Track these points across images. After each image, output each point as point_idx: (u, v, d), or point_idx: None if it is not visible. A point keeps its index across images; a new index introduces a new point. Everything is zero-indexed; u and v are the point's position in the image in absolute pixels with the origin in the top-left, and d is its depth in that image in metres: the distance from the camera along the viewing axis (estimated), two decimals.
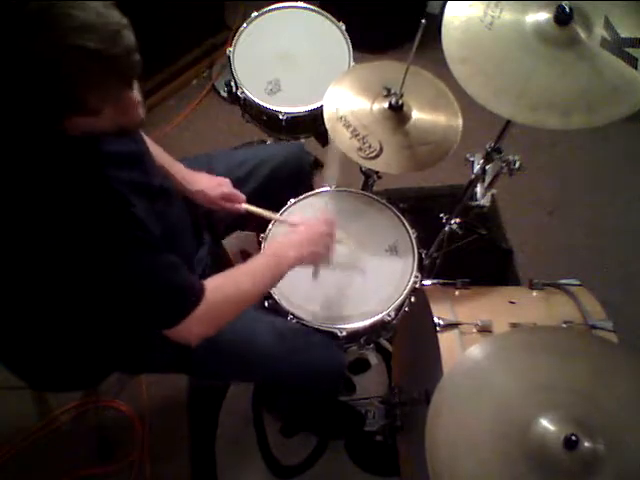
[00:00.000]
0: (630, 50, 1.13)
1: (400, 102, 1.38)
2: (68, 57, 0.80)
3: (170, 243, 1.07)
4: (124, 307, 1.06)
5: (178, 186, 1.36)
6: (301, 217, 1.39)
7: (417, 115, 1.41)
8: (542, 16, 1.17)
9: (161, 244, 1.04)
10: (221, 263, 1.50)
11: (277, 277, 1.22)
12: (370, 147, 1.36)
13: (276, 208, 1.49)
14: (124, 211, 0.97)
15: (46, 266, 0.97)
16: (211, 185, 1.40)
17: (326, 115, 1.41)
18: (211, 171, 1.46)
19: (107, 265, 0.97)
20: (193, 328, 1.09)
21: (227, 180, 1.43)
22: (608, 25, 1.16)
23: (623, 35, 1.15)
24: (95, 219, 0.93)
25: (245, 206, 1.44)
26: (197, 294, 1.08)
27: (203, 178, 1.41)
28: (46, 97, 0.83)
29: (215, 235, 1.53)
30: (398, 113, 1.40)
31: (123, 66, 0.86)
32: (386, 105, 1.40)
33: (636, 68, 1.12)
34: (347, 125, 1.39)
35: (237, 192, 1.43)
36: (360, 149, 1.36)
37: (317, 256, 1.29)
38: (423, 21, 1.19)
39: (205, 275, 1.39)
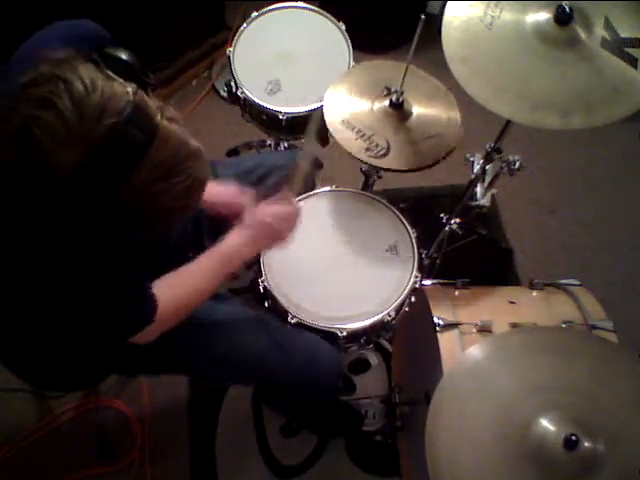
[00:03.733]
0: (630, 50, 1.13)
1: (401, 99, 1.38)
2: (157, 215, 0.86)
3: (161, 253, 1.09)
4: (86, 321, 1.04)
5: None
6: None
7: (417, 110, 1.42)
8: (542, 16, 1.17)
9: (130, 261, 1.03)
10: None
11: (229, 273, 1.22)
12: (377, 146, 1.37)
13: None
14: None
15: (52, 270, 0.97)
16: (230, 197, 1.36)
17: (328, 119, 1.41)
18: (218, 178, 1.44)
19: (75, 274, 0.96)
20: (150, 335, 1.09)
21: (244, 193, 1.36)
22: (608, 25, 1.16)
23: (623, 35, 1.15)
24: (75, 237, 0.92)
25: None
26: (152, 309, 1.07)
27: (219, 189, 1.36)
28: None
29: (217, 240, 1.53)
30: (399, 110, 1.40)
31: (205, 190, 0.91)
32: (387, 103, 1.40)
33: (636, 68, 1.12)
34: (351, 127, 1.40)
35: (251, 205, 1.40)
36: (368, 149, 1.37)
37: (272, 247, 1.30)
38: (422, 16, 1.19)
39: None
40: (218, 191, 1.36)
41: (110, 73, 0.81)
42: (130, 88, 0.80)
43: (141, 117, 0.78)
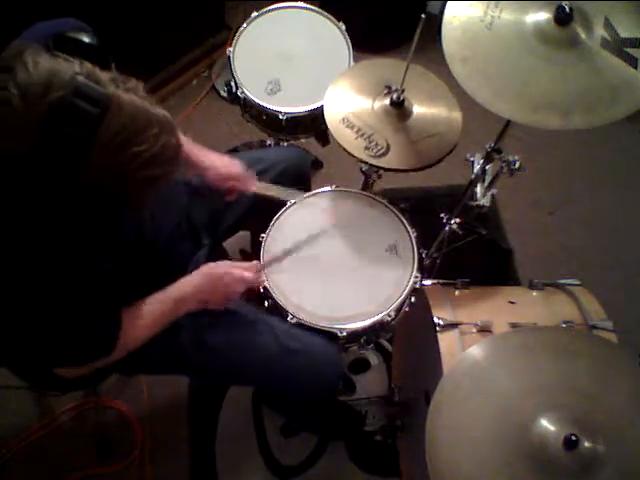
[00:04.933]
0: (630, 50, 1.13)
1: (401, 98, 1.38)
2: (135, 186, 0.85)
3: (156, 251, 1.08)
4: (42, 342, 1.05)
5: (188, 162, 1.36)
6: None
7: (418, 109, 1.42)
8: (542, 16, 1.17)
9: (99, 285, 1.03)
10: None
11: (174, 318, 1.21)
12: (377, 145, 1.37)
13: (278, 211, 1.49)
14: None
15: (49, 270, 0.97)
16: (222, 163, 1.39)
17: (328, 118, 1.41)
18: None
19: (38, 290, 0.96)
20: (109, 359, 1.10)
21: (237, 161, 1.42)
22: (608, 25, 1.16)
23: (623, 35, 1.15)
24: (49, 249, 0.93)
25: (258, 184, 1.43)
26: (114, 338, 1.08)
27: (212, 155, 1.40)
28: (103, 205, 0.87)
29: (216, 237, 1.53)
30: (400, 109, 1.40)
31: (180, 161, 0.91)
32: (387, 102, 1.40)
33: (636, 68, 1.12)
34: (351, 126, 1.40)
35: (247, 174, 1.42)
36: (367, 148, 1.37)
37: (217, 305, 1.27)
38: (423, 16, 1.19)
39: None
40: (211, 159, 1.38)
41: (58, 53, 0.81)
42: (77, 63, 0.80)
43: (89, 89, 0.78)
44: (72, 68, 0.79)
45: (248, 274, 1.27)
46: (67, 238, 0.93)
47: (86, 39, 0.87)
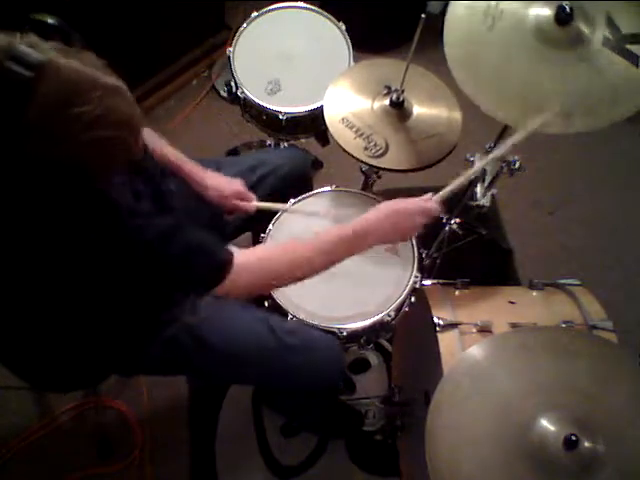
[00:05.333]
0: (631, 47, 1.13)
1: (401, 98, 1.38)
2: (83, 150, 0.84)
3: None
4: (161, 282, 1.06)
5: (190, 181, 1.38)
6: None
7: (418, 110, 1.42)
8: (542, 17, 1.16)
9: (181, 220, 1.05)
10: None
11: (350, 254, 1.17)
12: (376, 145, 1.37)
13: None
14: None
15: (54, 269, 0.98)
16: (224, 182, 1.42)
17: (327, 117, 1.41)
18: None
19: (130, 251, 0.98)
20: (237, 284, 1.07)
21: (238, 180, 1.44)
22: (609, 22, 1.15)
23: (625, 31, 1.15)
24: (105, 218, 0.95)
25: (255, 203, 1.45)
26: (226, 262, 1.06)
27: (215, 175, 1.43)
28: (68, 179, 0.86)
29: (222, 239, 1.53)
30: (399, 110, 1.40)
31: (134, 129, 0.89)
32: (387, 102, 1.40)
33: (637, 66, 1.12)
34: (350, 126, 1.40)
35: (247, 192, 1.44)
36: (366, 148, 1.37)
37: (399, 241, 1.27)
38: (423, 16, 1.19)
39: None
40: (213, 180, 1.40)
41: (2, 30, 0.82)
42: (19, 35, 0.81)
43: (24, 54, 0.79)
44: (11, 38, 0.81)
45: (432, 206, 1.20)
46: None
47: (50, 20, 0.88)
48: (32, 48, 0.80)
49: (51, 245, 0.93)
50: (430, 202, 1.20)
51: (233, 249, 1.08)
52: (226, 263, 1.06)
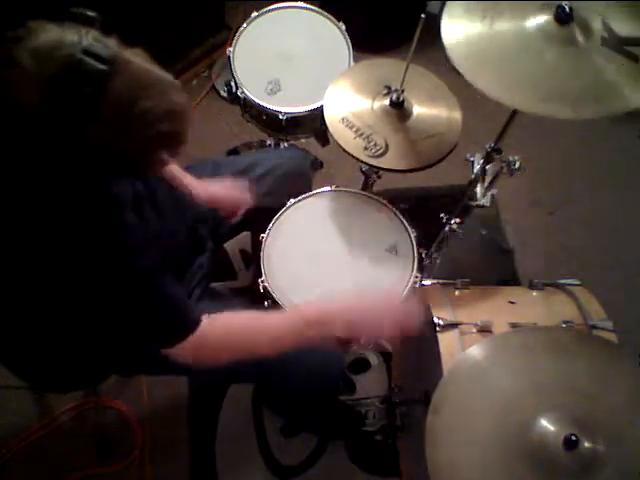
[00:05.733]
0: (630, 49, 1.13)
1: (401, 98, 1.38)
2: (148, 144, 0.87)
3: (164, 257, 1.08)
4: (122, 323, 1.07)
5: (187, 192, 1.39)
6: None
7: (418, 110, 1.42)
8: (542, 17, 1.16)
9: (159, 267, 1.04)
10: (220, 265, 1.50)
11: (301, 343, 1.12)
12: (376, 145, 1.36)
13: (278, 211, 1.49)
14: (124, 235, 0.99)
15: (49, 277, 0.98)
16: (224, 190, 1.42)
17: (327, 117, 1.41)
18: (216, 177, 1.47)
19: (106, 286, 0.98)
20: (189, 353, 1.09)
21: (237, 184, 1.42)
22: (606, 26, 1.15)
23: (622, 34, 1.14)
24: (98, 242, 0.94)
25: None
26: (193, 321, 1.08)
27: (214, 184, 1.42)
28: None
29: (218, 240, 1.53)
30: (399, 109, 1.40)
31: (189, 122, 0.93)
32: (387, 102, 1.40)
33: (637, 61, 1.12)
34: (350, 126, 1.39)
35: (245, 195, 1.44)
36: (366, 148, 1.36)
37: (365, 337, 1.22)
38: (423, 15, 1.19)
39: (204, 280, 1.39)
40: (214, 189, 1.40)
41: (65, 23, 0.84)
42: (83, 29, 0.83)
43: (97, 48, 0.81)
44: (79, 32, 0.82)
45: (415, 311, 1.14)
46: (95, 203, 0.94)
47: (89, 13, 0.89)
48: (100, 43, 0.82)
49: (50, 247, 0.93)
50: (415, 313, 1.14)
51: (204, 316, 1.09)
52: (191, 323, 1.07)
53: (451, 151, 1.39)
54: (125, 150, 0.86)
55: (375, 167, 1.42)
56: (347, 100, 1.45)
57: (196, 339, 1.07)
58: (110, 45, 0.83)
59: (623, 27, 1.15)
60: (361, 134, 1.38)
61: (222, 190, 1.41)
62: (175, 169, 1.39)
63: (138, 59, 0.85)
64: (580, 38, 1.15)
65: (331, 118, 1.41)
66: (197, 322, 1.08)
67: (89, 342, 1.23)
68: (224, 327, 1.11)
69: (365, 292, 1.18)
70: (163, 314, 1.06)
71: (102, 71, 0.80)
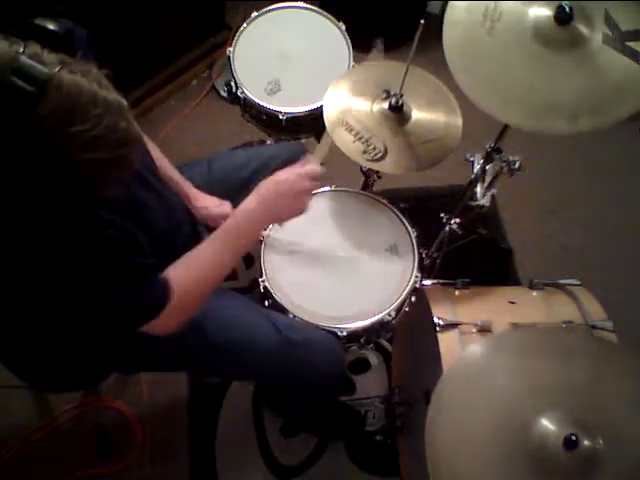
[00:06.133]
0: (632, 44, 1.13)
1: (400, 102, 1.38)
2: (82, 168, 0.83)
3: (162, 246, 1.09)
4: (97, 311, 1.06)
5: (184, 198, 1.39)
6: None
7: (417, 114, 1.42)
8: (542, 17, 1.16)
9: (135, 247, 1.04)
10: None
11: (247, 244, 1.21)
12: (375, 149, 1.36)
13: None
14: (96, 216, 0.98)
15: (29, 270, 0.97)
16: (215, 204, 1.43)
17: (327, 120, 1.41)
18: (212, 173, 1.48)
19: (78, 266, 0.97)
20: (171, 321, 1.10)
21: (227, 203, 1.44)
22: (609, 19, 1.15)
23: (624, 28, 1.14)
24: (70, 220, 0.93)
25: None
26: (166, 291, 1.08)
27: (207, 197, 1.44)
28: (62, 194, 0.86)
29: None
30: (398, 114, 1.40)
31: (134, 147, 0.89)
32: (386, 106, 1.40)
33: (638, 62, 1.12)
34: (349, 129, 1.39)
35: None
36: (365, 152, 1.36)
37: (291, 216, 1.25)
38: (422, 22, 1.19)
39: None
40: (203, 200, 1.42)
41: (6, 36, 0.82)
42: (22, 44, 0.80)
43: (28, 67, 0.78)
44: (15, 48, 0.80)
45: (309, 167, 1.22)
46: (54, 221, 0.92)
47: (51, 26, 0.87)
48: (36, 61, 0.79)
49: (35, 243, 0.93)
50: (308, 165, 1.23)
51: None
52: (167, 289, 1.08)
53: (447, 155, 1.39)
54: (66, 173, 0.83)
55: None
56: (346, 102, 1.44)
57: (176, 300, 1.08)
58: (49, 62, 0.80)
59: (625, 22, 1.15)
60: (360, 137, 1.38)
61: (216, 208, 1.42)
62: (179, 177, 1.40)
63: (75, 79, 0.81)
64: (580, 38, 1.15)
65: (330, 121, 1.41)
66: (167, 293, 1.09)
67: (88, 339, 1.23)
68: (186, 279, 1.12)
69: (262, 185, 1.21)
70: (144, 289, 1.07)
71: (29, 93, 0.77)
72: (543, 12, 1.16)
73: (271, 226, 1.47)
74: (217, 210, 1.42)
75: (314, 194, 1.53)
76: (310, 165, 1.24)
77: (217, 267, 1.18)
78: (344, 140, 1.37)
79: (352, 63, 1.69)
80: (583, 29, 1.15)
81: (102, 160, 0.83)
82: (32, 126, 0.78)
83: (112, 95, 0.85)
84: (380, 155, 1.36)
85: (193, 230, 1.42)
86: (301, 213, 1.24)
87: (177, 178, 1.40)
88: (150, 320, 1.07)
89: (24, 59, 0.79)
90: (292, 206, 1.22)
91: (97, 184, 0.88)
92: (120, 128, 0.85)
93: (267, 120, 1.71)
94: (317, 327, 1.34)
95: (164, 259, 1.14)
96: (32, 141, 0.79)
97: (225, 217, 1.34)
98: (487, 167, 1.55)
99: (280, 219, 1.29)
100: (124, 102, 0.86)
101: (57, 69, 0.80)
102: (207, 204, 1.42)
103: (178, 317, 1.12)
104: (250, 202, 1.19)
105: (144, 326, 1.08)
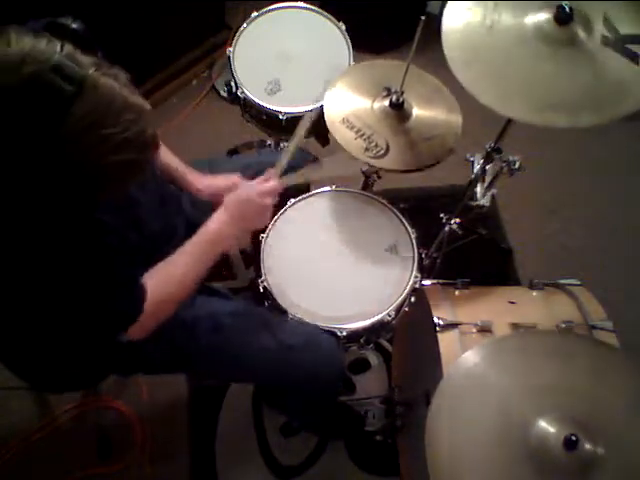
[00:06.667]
0: (631, 47, 1.13)
1: (401, 100, 1.38)
2: (109, 171, 0.84)
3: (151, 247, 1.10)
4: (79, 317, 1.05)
5: (183, 185, 1.38)
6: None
7: (417, 111, 1.42)
8: (542, 17, 1.16)
9: (122, 250, 1.04)
10: (220, 265, 1.49)
11: (214, 258, 1.24)
12: (377, 146, 1.36)
13: (276, 212, 1.49)
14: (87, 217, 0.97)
15: (26, 269, 0.97)
16: (219, 179, 1.41)
17: (328, 118, 1.41)
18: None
19: (63, 267, 0.97)
20: (143, 328, 1.11)
21: (235, 175, 1.42)
22: (607, 22, 1.15)
23: (623, 32, 1.14)
24: (59, 223, 0.93)
25: None
26: (140, 299, 1.09)
27: (210, 176, 1.42)
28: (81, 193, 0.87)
29: None
30: (399, 111, 1.40)
31: (154, 151, 0.92)
32: (387, 104, 1.40)
33: (637, 64, 1.11)
34: (351, 126, 1.39)
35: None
36: (367, 149, 1.36)
37: (255, 230, 1.36)
38: (422, 17, 1.19)
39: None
40: (207, 182, 1.40)
41: (43, 34, 0.81)
42: (59, 44, 0.81)
43: (66, 67, 0.78)
44: (53, 47, 0.80)
45: (270, 184, 1.29)
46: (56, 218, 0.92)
47: (74, 25, 0.87)
48: (71, 61, 0.79)
49: (34, 243, 0.93)
50: (269, 181, 1.30)
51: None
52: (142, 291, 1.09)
53: (448, 153, 1.39)
54: (87, 171, 0.84)
55: (377, 168, 1.42)
56: (347, 101, 1.45)
57: (149, 303, 1.09)
58: (84, 63, 0.81)
59: (624, 25, 1.16)
60: (362, 135, 1.38)
61: (223, 181, 1.40)
62: (178, 163, 1.39)
63: (110, 82, 0.82)
64: (580, 38, 1.15)
65: (331, 119, 1.41)
66: (144, 299, 1.09)
67: (87, 340, 1.23)
68: (157, 289, 1.12)
69: (228, 202, 1.27)
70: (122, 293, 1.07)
71: (67, 91, 0.77)
72: (542, 15, 1.16)
73: (270, 225, 1.47)
74: (225, 184, 1.39)
75: (314, 194, 1.54)
76: (269, 182, 1.29)
77: (188, 280, 1.19)
78: (346, 138, 1.38)
79: (352, 63, 1.69)
80: (582, 29, 1.15)
81: (127, 163, 0.85)
82: (66, 126, 0.78)
83: (139, 99, 0.86)
84: (382, 152, 1.36)
85: (188, 232, 1.41)
86: (265, 226, 1.39)
87: (176, 164, 1.39)
88: (125, 328, 1.07)
89: (62, 58, 0.79)
90: (256, 222, 1.32)
91: (115, 186, 0.89)
92: (147, 133, 0.86)
93: (267, 120, 1.71)
94: (317, 327, 1.34)
95: (151, 260, 1.15)
96: (63, 141, 0.79)
97: (232, 187, 1.36)
98: (487, 167, 1.55)
99: (246, 232, 1.37)
100: (148, 106, 0.87)
101: (92, 70, 0.80)
102: (211, 181, 1.41)
103: (150, 325, 1.12)
104: (219, 218, 1.24)
105: (118, 333, 1.08)
